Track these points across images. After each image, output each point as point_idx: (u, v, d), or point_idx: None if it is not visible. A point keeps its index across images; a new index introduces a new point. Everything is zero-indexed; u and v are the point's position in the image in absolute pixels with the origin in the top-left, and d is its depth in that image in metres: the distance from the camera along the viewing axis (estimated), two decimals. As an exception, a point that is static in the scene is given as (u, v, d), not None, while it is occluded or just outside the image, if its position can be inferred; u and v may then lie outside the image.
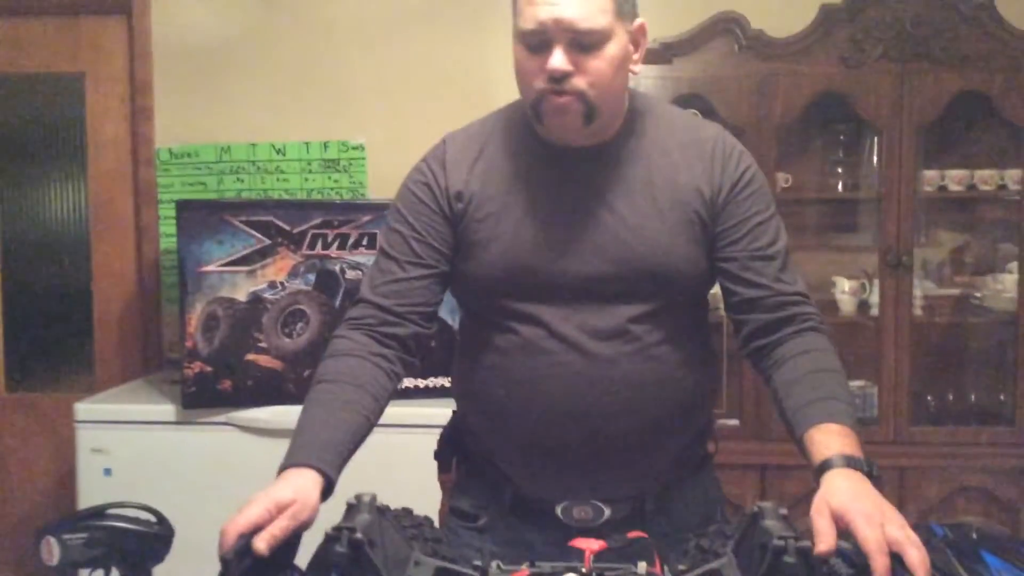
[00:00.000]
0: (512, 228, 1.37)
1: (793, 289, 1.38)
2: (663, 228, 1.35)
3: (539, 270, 1.35)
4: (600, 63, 1.29)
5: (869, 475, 1.12)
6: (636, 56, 1.35)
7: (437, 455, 1.57)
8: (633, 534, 1.06)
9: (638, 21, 1.34)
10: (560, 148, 1.38)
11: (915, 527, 1.05)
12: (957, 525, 1.53)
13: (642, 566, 1.02)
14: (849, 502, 1.02)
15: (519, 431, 1.38)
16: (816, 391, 1.25)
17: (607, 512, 1.08)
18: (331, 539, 0.97)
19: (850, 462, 1.12)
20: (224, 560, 0.98)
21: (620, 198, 1.36)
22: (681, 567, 1.06)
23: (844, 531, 1.02)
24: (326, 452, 1.20)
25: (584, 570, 1.00)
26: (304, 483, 1.14)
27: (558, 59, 1.27)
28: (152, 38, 3.16)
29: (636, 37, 1.35)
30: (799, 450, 1.21)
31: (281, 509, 1.07)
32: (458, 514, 1.51)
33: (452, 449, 1.55)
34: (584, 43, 1.28)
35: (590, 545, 1.02)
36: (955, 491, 2.72)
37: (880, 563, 0.96)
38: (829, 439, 1.16)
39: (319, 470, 1.16)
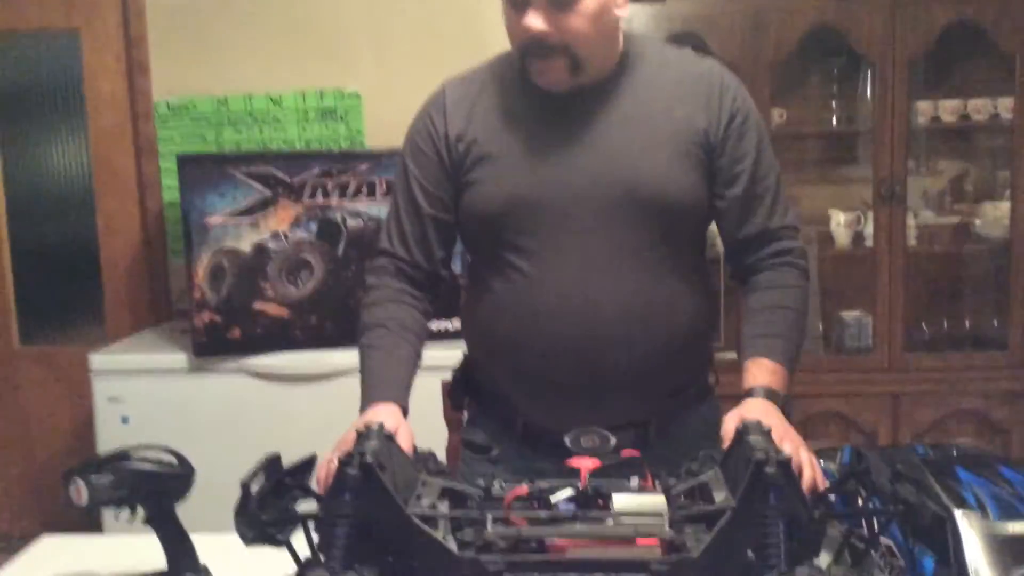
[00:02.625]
0: (512, 165, 1.41)
1: (780, 223, 1.45)
2: (661, 158, 1.39)
3: (539, 202, 1.40)
4: (577, 19, 1.32)
5: (783, 409, 1.30)
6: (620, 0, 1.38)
7: (450, 393, 1.65)
8: (626, 452, 1.12)
9: None
10: (553, 92, 1.41)
11: (899, 447, 1.13)
12: (938, 445, 1.60)
13: (634, 481, 1.09)
14: (759, 417, 1.16)
15: (526, 364, 1.44)
16: (766, 327, 1.42)
17: (613, 440, 1.14)
18: (344, 463, 1.04)
19: (768, 393, 1.31)
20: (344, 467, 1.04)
21: (617, 131, 1.40)
22: (671, 482, 1.13)
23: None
24: (398, 388, 1.39)
25: (581, 486, 1.06)
26: (394, 412, 1.32)
27: (532, 20, 1.32)
28: (145, -8, 3.17)
29: None
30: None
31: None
32: (472, 447, 1.58)
33: (464, 387, 1.62)
34: (559, 1, 1.31)
35: (585, 464, 1.08)
36: (948, 415, 2.80)
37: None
38: (760, 372, 1.35)
39: (397, 403, 1.35)
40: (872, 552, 1.19)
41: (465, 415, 1.66)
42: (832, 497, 1.19)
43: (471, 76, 1.50)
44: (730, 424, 1.20)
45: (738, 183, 1.42)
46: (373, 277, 1.51)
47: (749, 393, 1.32)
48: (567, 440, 1.14)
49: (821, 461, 1.44)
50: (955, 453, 1.49)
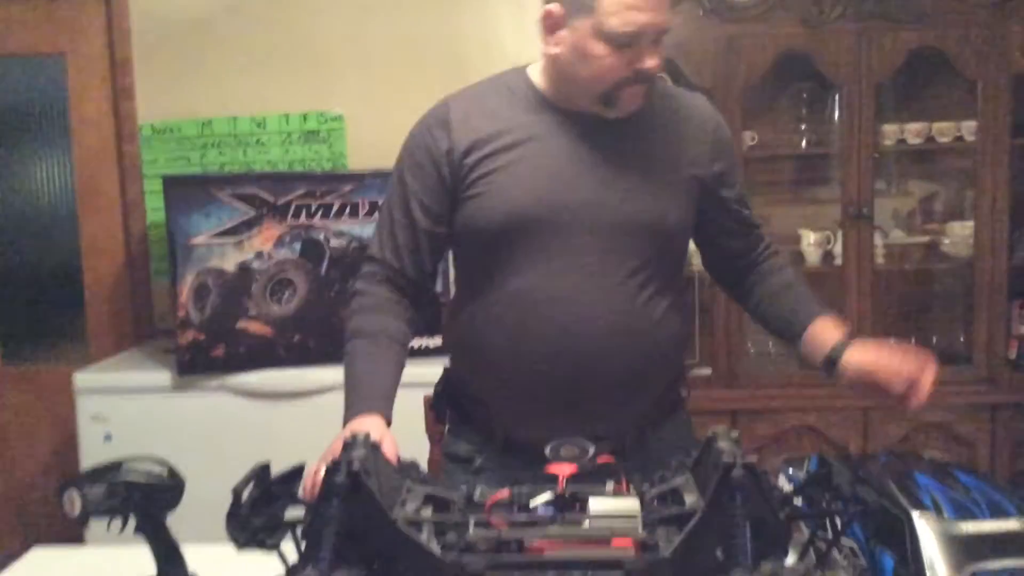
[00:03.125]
0: (517, 181, 1.46)
1: (756, 222, 1.64)
2: (661, 185, 1.48)
3: (539, 220, 1.45)
4: (662, 52, 1.44)
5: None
6: None
7: (433, 405, 1.70)
8: (603, 459, 1.17)
9: None
10: (563, 110, 1.48)
11: (865, 456, 1.20)
12: (901, 452, 1.67)
13: (610, 485, 1.14)
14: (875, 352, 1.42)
15: (512, 377, 1.49)
16: (798, 299, 1.57)
17: (592, 450, 1.19)
18: (331, 471, 1.08)
19: (852, 336, 1.47)
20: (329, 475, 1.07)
21: (624, 158, 1.47)
22: (645, 486, 1.18)
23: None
24: (382, 399, 1.44)
25: (559, 491, 1.12)
26: (378, 423, 1.38)
27: (657, 58, 1.42)
28: (130, 16, 3.21)
29: None
30: (793, 346, 1.57)
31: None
32: (454, 459, 1.63)
33: (446, 400, 1.67)
34: (661, 40, 1.42)
35: (563, 470, 1.14)
36: (916, 428, 2.87)
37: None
38: (827, 329, 1.50)
39: (380, 414, 1.40)
40: (835, 551, 1.24)
41: (446, 428, 1.71)
42: (799, 501, 1.25)
43: (474, 93, 1.54)
44: (891, 366, 1.40)
45: (734, 203, 1.57)
46: (362, 283, 1.55)
47: (841, 346, 1.46)
48: (547, 451, 1.19)
49: (791, 470, 1.50)
50: (912, 460, 1.56)
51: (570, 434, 1.21)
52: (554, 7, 1.41)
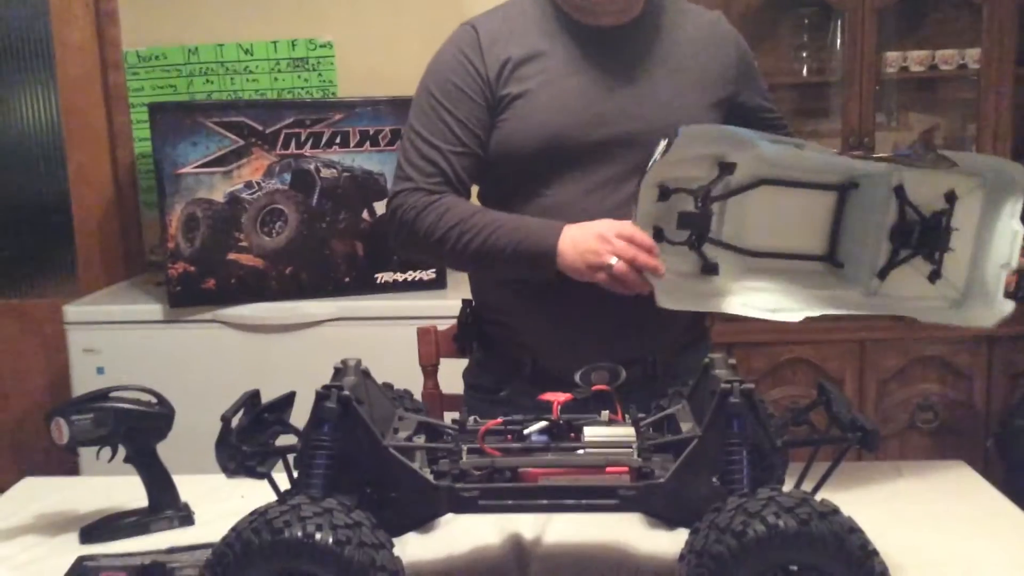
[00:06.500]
0: (547, 100, 1.46)
1: (785, 123, 1.68)
2: (693, 99, 1.49)
3: (575, 140, 1.45)
4: None
5: None
6: None
7: (456, 337, 1.68)
8: (597, 387, 1.16)
9: None
10: (588, 27, 1.48)
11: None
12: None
13: (605, 414, 1.13)
14: None
15: (545, 300, 1.47)
16: None
17: (623, 374, 1.18)
18: (321, 396, 1.07)
19: None
20: None
21: (648, 71, 1.48)
22: (640, 415, 1.17)
23: None
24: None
25: (553, 419, 1.10)
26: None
27: None
28: (113, -63, 3.11)
29: None
30: None
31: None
32: (479, 390, 1.64)
33: (471, 333, 1.64)
34: None
35: (558, 397, 1.12)
36: (913, 361, 2.86)
37: None
38: None
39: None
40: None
41: (471, 360, 1.69)
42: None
43: (500, 14, 1.53)
44: None
45: (763, 111, 1.62)
46: (404, 196, 1.47)
47: None
48: (577, 377, 1.17)
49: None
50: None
51: (599, 359, 1.19)
52: None
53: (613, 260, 1.32)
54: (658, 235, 1.39)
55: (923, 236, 1.43)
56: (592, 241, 1.34)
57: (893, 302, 1.47)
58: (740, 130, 1.38)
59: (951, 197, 1.43)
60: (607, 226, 1.35)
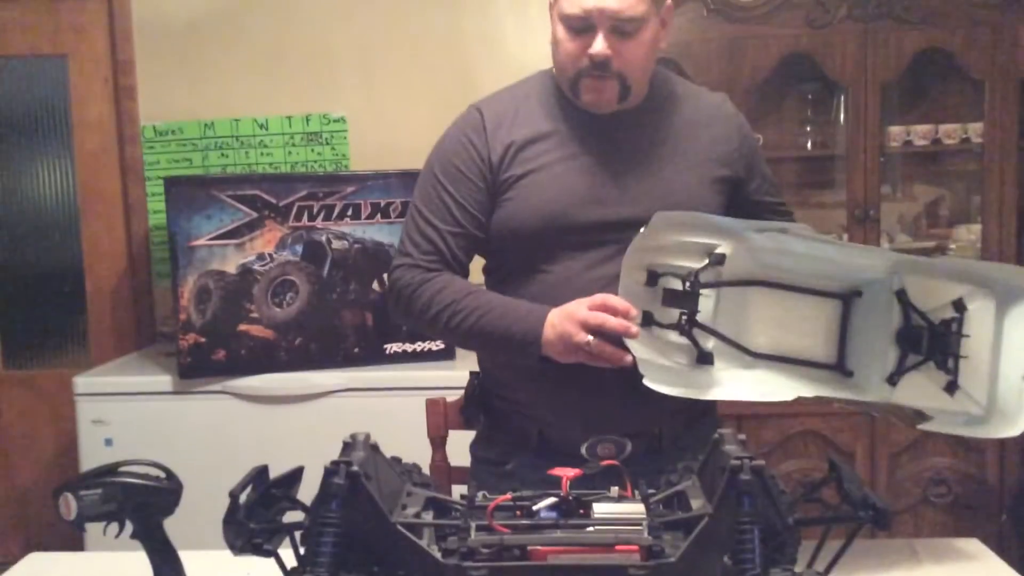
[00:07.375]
0: (550, 181, 1.48)
1: (789, 209, 1.68)
2: (693, 181, 1.50)
3: (576, 219, 1.47)
4: (638, 48, 1.42)
5: None
6: (663, 34, 1.48)
7: (463, 410, 1.68)
8: (606, 463, 1.15)
9: (667, 2, 1.46)
10: (591, 112, 1.50)
11: None
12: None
13: (614, 490, 1.12)
14: None
15: (549, 373, 1.47)
16: None
17: (629, 446, 1.18)
18: (330, 472, 1.06)
19: None
20: None
21: (651, 156, 1.50)
22: (650, 491, 1.16)
23: None
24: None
25: (562, 495, 1.09)
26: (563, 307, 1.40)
27: (600, 45, 1.40)
28: (132, 17, 3.20)
29: (665, 17, 1.47)
30: None
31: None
32: (486, 462, 1.63)
33: (478, 405, 1.64)
34: (624, 30, 1.40)
35: (567, 472, 1.11)
36: (924, 435, 2.82)
37: None
38: None
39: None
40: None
41: (478, 433, 1.69)
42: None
43: (506, 96, 1.56)
44: None
45: (765, 193, 1.60)
46: (403, 271, 1.51)
47: None
48: (583, 450, 1.17)
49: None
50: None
51: (605, 432, 1.19)
52: None
53: (588, 339, 1.34)
54: (647, 319, 1.40)
55: (933, 343, 1.40)
56: (567, 324, 1.37)
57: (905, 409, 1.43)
58: (717, 218, 1.39)
59: (960, 306, 1.41)
60: (578, 304, 1.37)
